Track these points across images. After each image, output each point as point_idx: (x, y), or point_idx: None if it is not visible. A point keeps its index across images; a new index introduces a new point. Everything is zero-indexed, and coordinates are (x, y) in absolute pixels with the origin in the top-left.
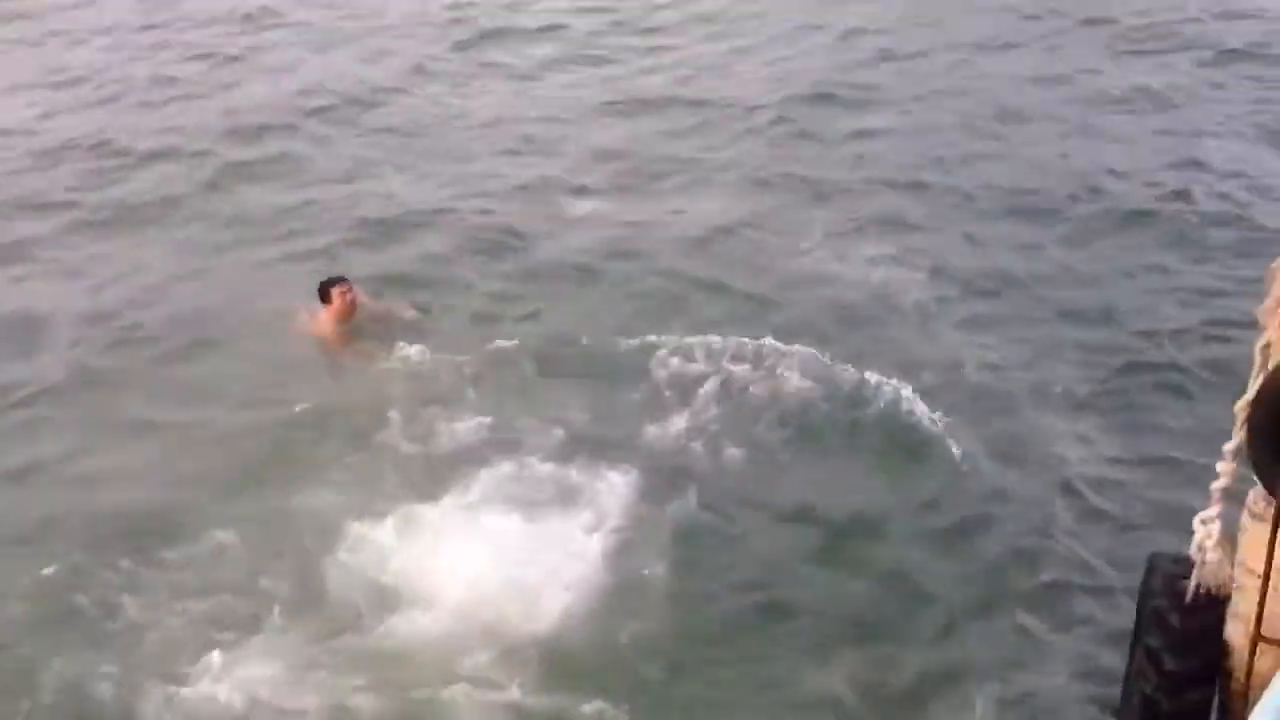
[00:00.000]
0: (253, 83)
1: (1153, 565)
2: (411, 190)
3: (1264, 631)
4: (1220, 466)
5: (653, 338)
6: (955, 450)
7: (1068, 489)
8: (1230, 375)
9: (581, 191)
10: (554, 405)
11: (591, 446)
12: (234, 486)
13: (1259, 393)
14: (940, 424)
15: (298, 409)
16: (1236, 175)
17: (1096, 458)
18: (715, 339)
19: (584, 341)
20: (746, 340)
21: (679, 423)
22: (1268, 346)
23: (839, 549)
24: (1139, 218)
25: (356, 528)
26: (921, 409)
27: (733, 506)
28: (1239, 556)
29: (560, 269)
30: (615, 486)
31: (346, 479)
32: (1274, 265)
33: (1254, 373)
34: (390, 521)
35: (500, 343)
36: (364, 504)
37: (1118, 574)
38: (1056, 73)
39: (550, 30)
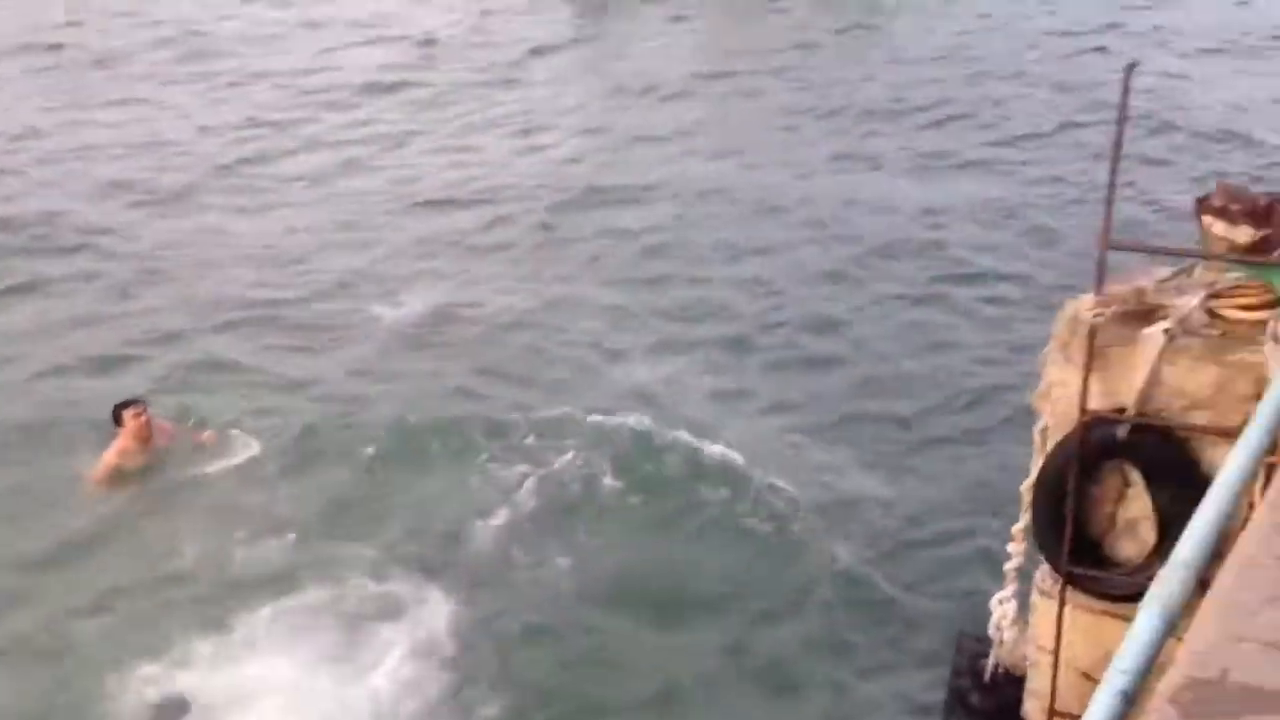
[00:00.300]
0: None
1: (959, 643)
2: (201, 299)
3: (1058, 707)
4: (1010, 547)
5: (458, 433)
6: (767, 517)
7: (883, 552)
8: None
9: (377, 289)
10: (366, 516)
11: (406, 558)
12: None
13: (1039, 475)
14: (754, 494)
15: (83, 537)
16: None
17: (907, 520)
18: (523, 426)
19: (390, 444)
20: (550, 423)
21: (495, 522)
22: (1045, 430)
23: (659, 628)
24: (921, 295)
25: (146, 667)
26: (736, 481)
27: (551, 606)
28: (1030, 634)
29: (359, 372)
30: (430, 600)
31: (137, 613)
32: (1044, 353)
33: (1034, 455)
34: (175, 658)
35: (306, 451)
36: (149, 641)
37: (930, 645)
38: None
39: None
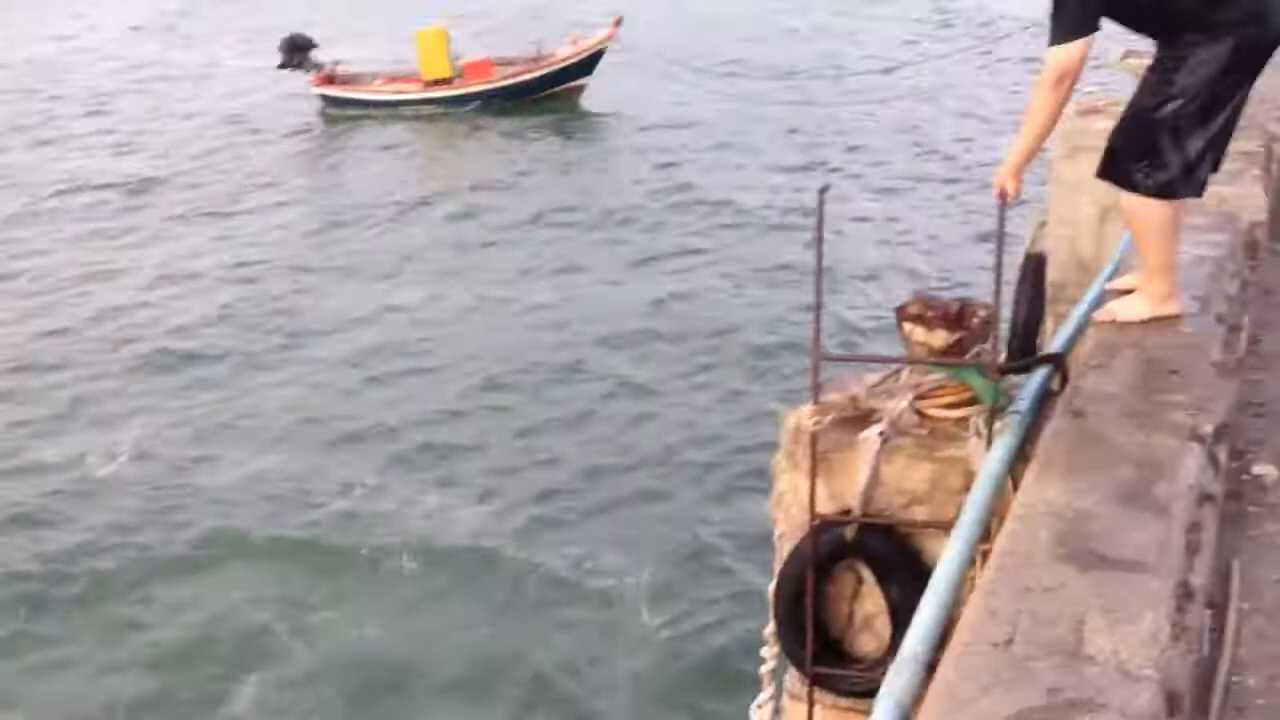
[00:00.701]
0: None
1: None
2: None
3: None
4: (763, 651)
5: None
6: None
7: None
8: None
9: (87, 426)
10: None
11: None
12: None
13: (778, 580)
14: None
15: None
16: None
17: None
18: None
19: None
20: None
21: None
22: (781, 536)
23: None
24: (643, 386)
25: None
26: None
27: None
28: None
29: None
30: None
31: None
32: (773, 462)
33: (775, 557)
34: None
35: None
36: None
37: None
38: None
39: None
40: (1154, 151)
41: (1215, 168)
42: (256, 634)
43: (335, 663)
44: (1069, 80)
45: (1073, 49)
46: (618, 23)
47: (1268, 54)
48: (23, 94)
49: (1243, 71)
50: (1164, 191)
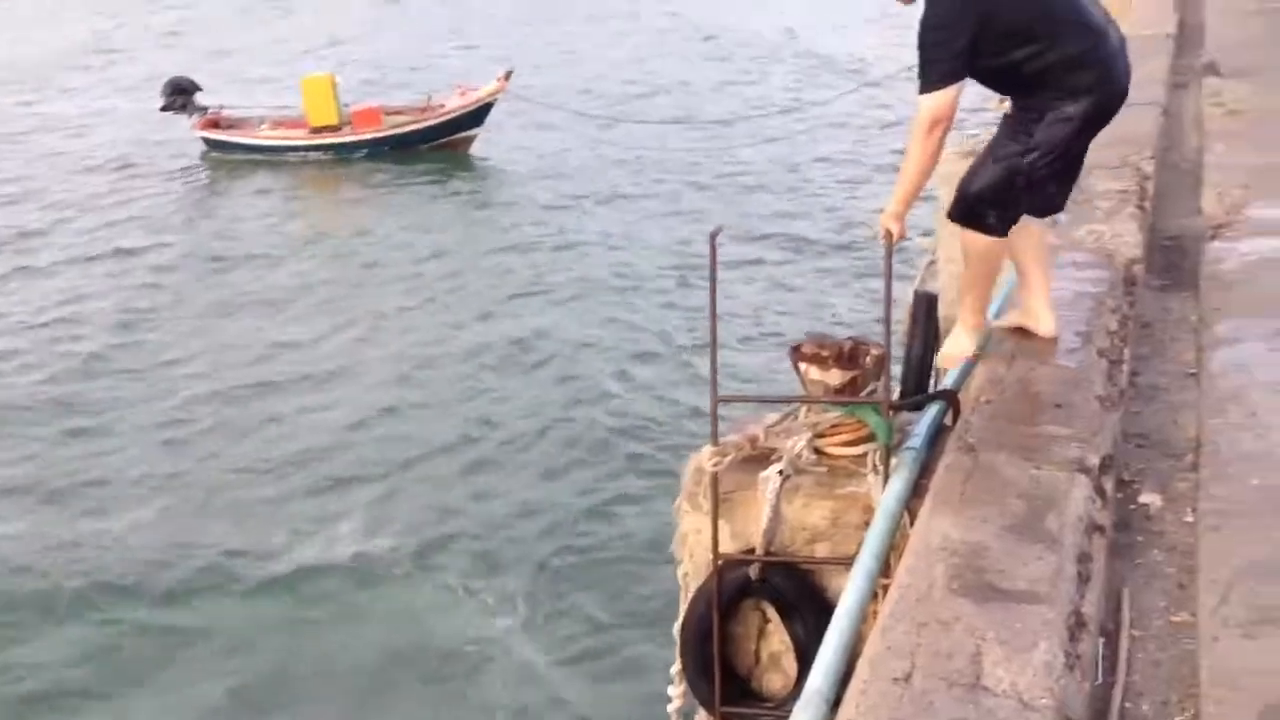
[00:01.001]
0: None
1: None
2: None
3: None
4: (670, 690)
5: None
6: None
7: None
8: None
9: None
10: None
11: None
12: None
13: (684, 621)
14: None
15: None
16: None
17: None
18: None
19: None
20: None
21: None
22: (685, 576)
23: None
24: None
25: None
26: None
27: None
28: None
29: None
30: None
31: None
32: (676, 504)
33: (680, 597)
34: None
35: None
36: None
37: None
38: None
39: None
40: (1010, 198)
41: (1060, 208)
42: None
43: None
44: (942, 126)
45: (944, 96)
46: (507, 76)
47: (1114, 111)
48: None
49: (1094, 128)
50: (991, 224)
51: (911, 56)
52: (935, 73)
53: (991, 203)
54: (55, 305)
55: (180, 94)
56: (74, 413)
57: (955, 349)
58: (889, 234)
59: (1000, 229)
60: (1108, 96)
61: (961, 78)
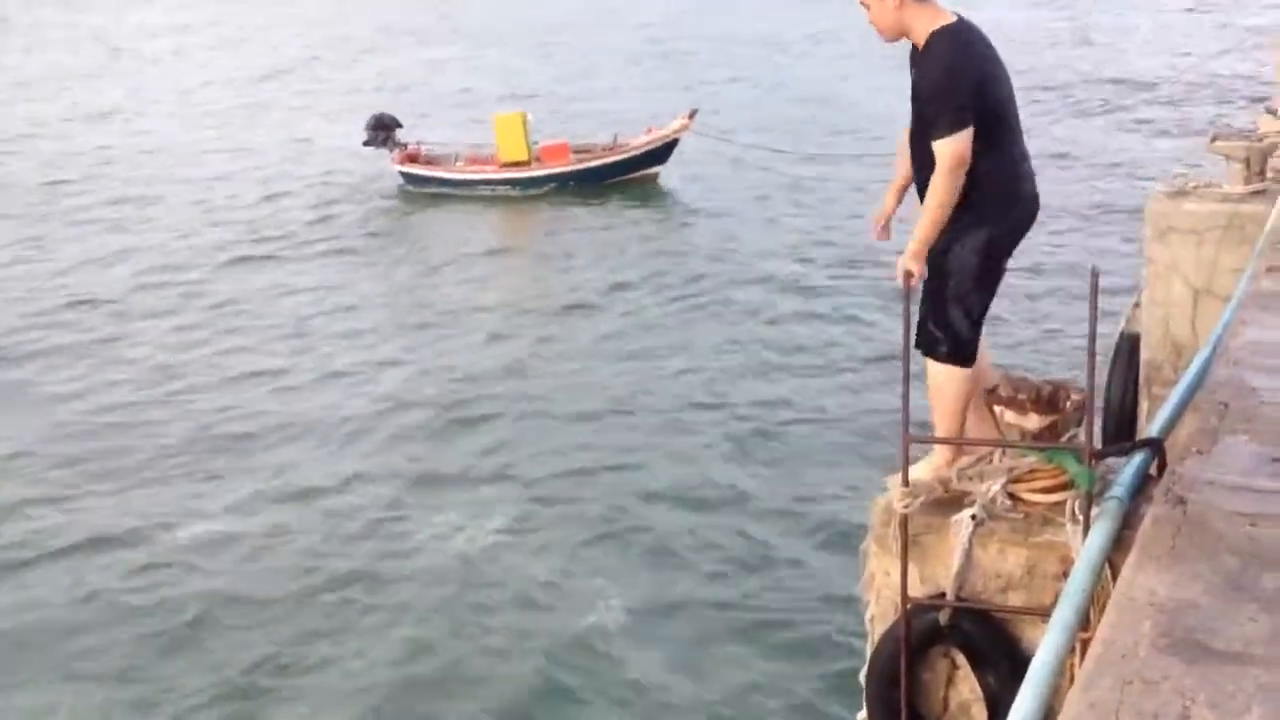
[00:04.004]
0: None
1: None
2: None
3: None
4: None
5: None
6: None
7: None
8: None
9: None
10: None
11: None
12: None
13: (870, 664)
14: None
15: None
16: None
17: None
18: None
19: None
20: None
21: None
22: (873, 619)
23: None
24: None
25: None
26: None
27: None
28: None
29: None
30: None
31: None
32: (863, 545)
33: (866, 645)
34: None
35: None
36: None
37: None
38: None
39: None
40: (947, 322)
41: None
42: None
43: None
44: (964, 166)
45: (962, 140)
46: (692, 115)
47: (1022, 231)
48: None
49: (1014, 244)
50: (960, 358)
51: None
52: (947, 120)
53: (944, 338)
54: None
55: (382, 129)
56: (299, 434)
57: (919, 470)
58: (909, 275)
59: (951, 357)
60: (1028, 215)
61: (970, 119)
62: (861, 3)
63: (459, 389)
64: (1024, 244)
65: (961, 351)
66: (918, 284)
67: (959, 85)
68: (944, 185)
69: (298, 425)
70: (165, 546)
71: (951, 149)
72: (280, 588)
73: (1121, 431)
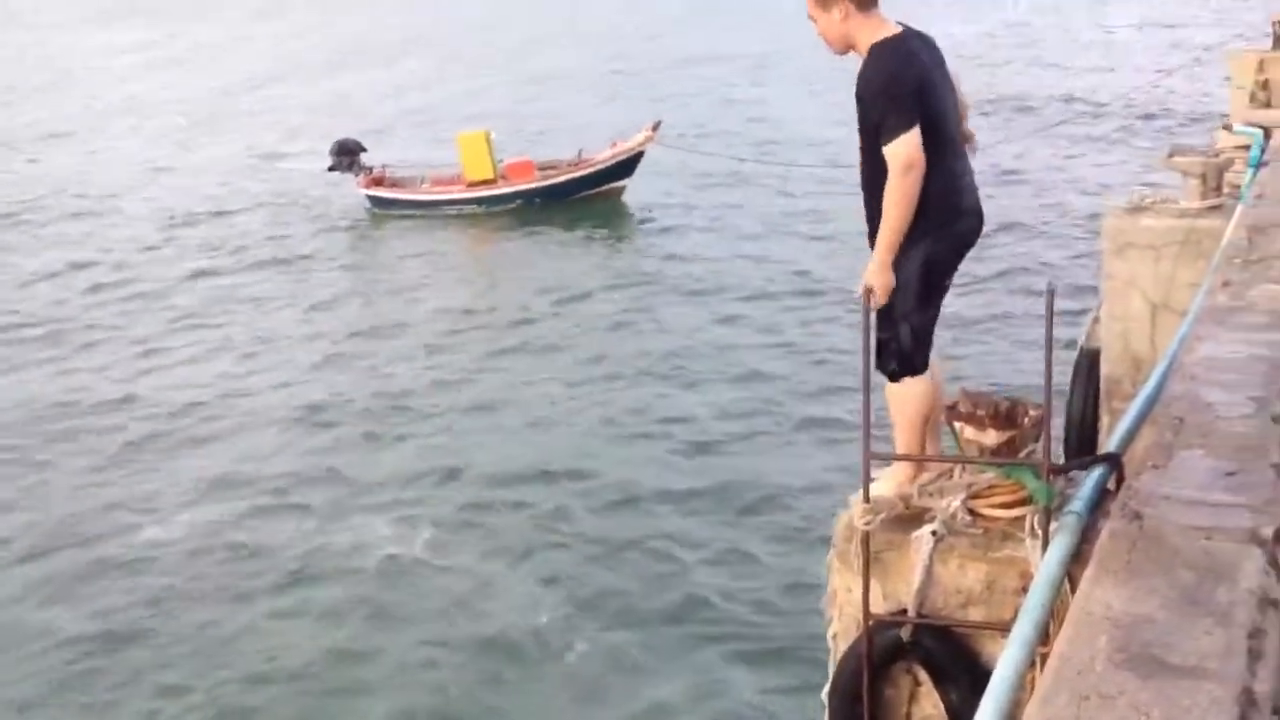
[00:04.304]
0: None
1: None
2: None
3: None
4: None
5: None
6: None
7: None
8: None
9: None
10: None
11: None
12: None
13: (833, 682)
14: None
15: None
16: None
17: None
18: None
19: None
20: None
21: None
22: (835, 636)
23: None
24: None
25: None
26: None
27: None
28: None
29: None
30: None
31: None
32: (827, 560)
33: (829, 657)
34: None
35: None
36: None
37: None
38: None
39: None
40: (893, 339)
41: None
42: None
43: None
44: (916, 169)
45: (909, 141)
46: (655, 127)
47: (966, 245)
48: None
49: (957, 259)
50: (909, 372)
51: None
52: (893, 123)
53: (891, 355)
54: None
55: (347, 154)
56: (237, 442)
57: (880, 487)
58: (868, 291)
59: (900, 372)
60: (972, 229)
61: (916, 120)
62: (810, 16)
63: (407, 398)
64: (980, 260)
65: (909, 366)
66: (883, 300)
67: (902, 89)
68: (899, 189)
69: (237, 432)
70: (99, 552)
71: (902, 150)
72: (209, 592)
73: (1083, 445)
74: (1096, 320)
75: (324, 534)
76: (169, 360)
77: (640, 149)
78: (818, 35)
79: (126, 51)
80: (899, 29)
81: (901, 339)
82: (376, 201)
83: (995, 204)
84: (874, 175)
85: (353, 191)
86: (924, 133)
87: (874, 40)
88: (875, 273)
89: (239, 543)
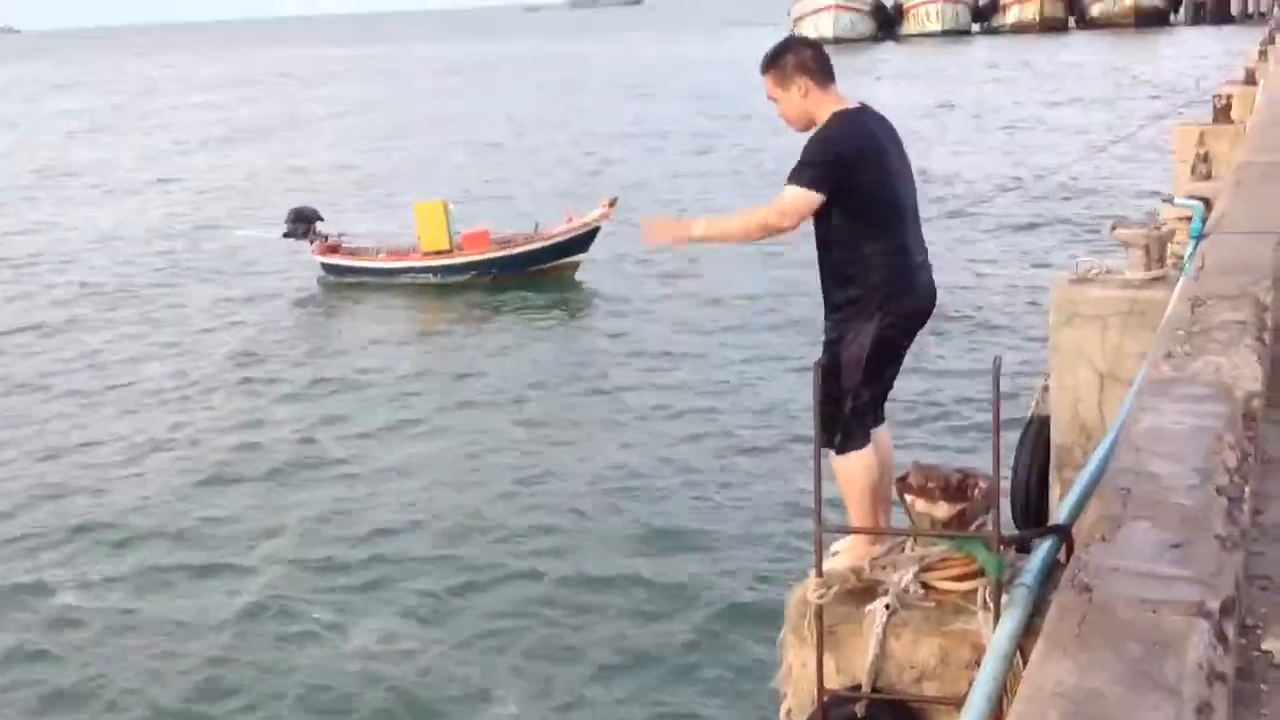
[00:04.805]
0: None
1: None
2: None
3: None
4: None
5: None
6: None
7: None
8: None
9: None
10: None
11: None
12: None
13: None
14: None
15: None
16: None
17: None
18: None
19: None
20: None
21: None
22: (789, 711)
23: None
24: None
25: None
26: None
27: None
28: None
29: None
30: None
31: None
32: (780, 637)
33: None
34: None
35: None
36: None
37: None
38: None
39: None
40: (839, 413)
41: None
42: None
43: None
44: (788, 223)
45: (806, 199)
46: (612, 203)
47: (918, 323)
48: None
49: (909, 337)
50: (855, 446)
51: None
52: (816, 175)
53: (836, 429)
54: (159, 431)
55: (303, 221)
56: (180, 541)
57: (837, 560)
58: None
59: (845, 446)
60: (912, 307)
61: (825, 194)
62: (770, 98)
63: (341, 457)
64: (929, 333)
65: (853, 441)
66: (665, 240)
67: (829, 154)
68: (758, 219)
69: (150, 488)
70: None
71: (791, 199)
72: (131, 674)
73: (1034, 515)
74: (1045, 389)
75: (250, 618)
76: (97, 416)
77: (596, 224)
78: (779, 116)
79: (68, 116)
80: (857, 104)
81: (845, 413)
82: (331, 269)
83: (941, 277)
84: (826, 235)
85: (308, 259)
86: (874, 206)
87: (833, 111)
88: (673, 226)
89: (128, 608)
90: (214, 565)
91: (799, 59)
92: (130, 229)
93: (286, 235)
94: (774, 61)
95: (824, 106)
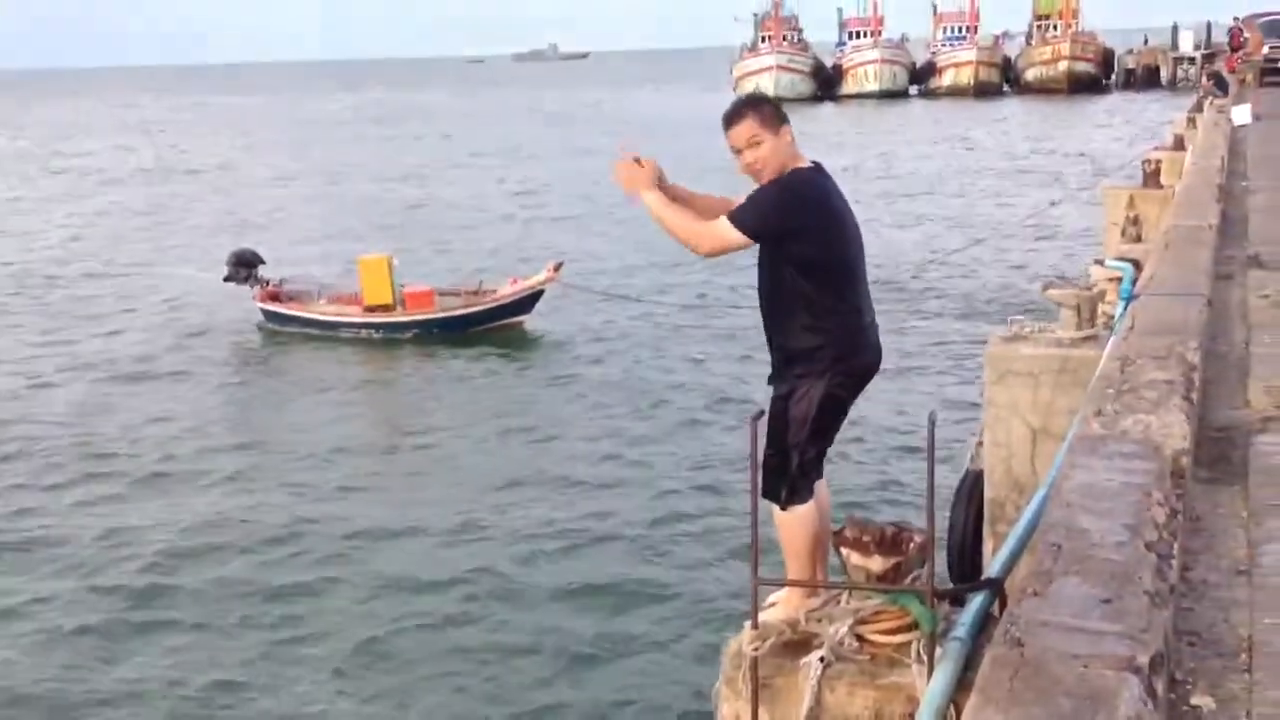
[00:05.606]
0: None
1: None
2: None
3: None
4: None
5: None
6: None
7: None
8: None
9: None
10: None
11: None
12: None
13: None
14: None
15: None
16: None
17: None
18: None
19: None
20: None
21: None
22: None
23: None
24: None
25: None
26: None
27: None
28: None
29: None
30: None
31: None
32: (714, 689)
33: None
34: None
35: None
36: None
37: None
38: None
39: None
40: (784, 467)
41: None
42: None
43: None
44: (706, 253)
45: (737, 238)
46: (558, 267)
47: (865, 380)
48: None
49: (855, 395)
50: (796, 500)
51: None
52: (754, 221)
53: (780, 483)
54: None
55: (244, 265)
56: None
57: (773, 613)
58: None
59: (789, 500)
60: (852, 367)
61: (758, 238)
62: (752, 142)
63: (276, 518)
64: (867, 389)
65: (798, 496)
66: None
67: (788, 212)
68: (688, 233)
69: (104, 550)
70: None
71: (725, 232)
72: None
73: (968, 568)
74: (980, 444)
75: (193, 683)
76: (14, 471)
77: (541, 287)
78: (748, 165)
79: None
80: (812, 163)
81: (791, 468)
82: (271, 316)
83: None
84: (774, 286)
85: (247, 305)
86: (830, 270)
87: (794, 167)
88: (632, 176)
89: (70, 663)
90: (118, 631)
91: (776, 107)
92: (64, 271)
93: (228, 279)
94: (756, 107)
95: (795, 160)
